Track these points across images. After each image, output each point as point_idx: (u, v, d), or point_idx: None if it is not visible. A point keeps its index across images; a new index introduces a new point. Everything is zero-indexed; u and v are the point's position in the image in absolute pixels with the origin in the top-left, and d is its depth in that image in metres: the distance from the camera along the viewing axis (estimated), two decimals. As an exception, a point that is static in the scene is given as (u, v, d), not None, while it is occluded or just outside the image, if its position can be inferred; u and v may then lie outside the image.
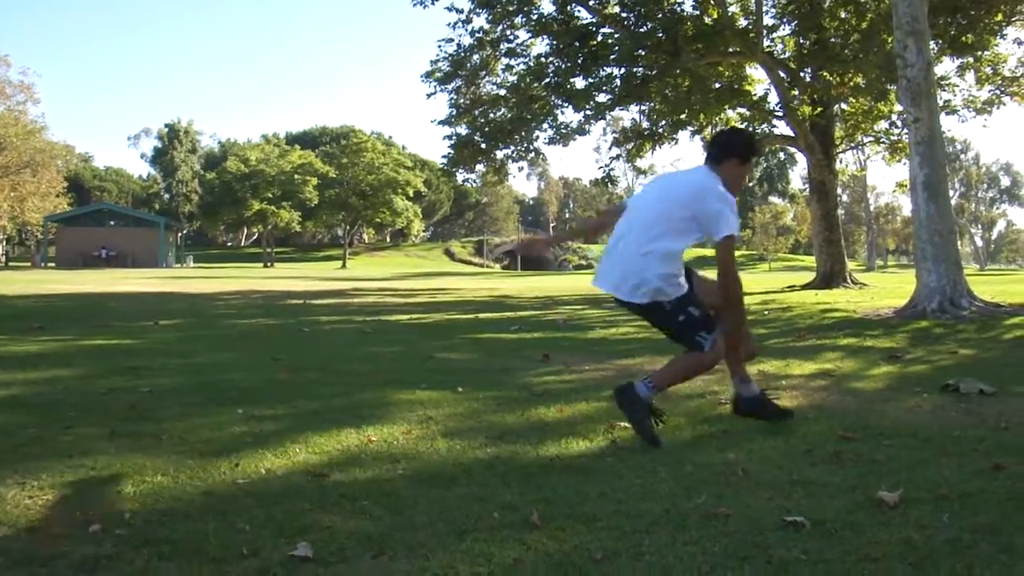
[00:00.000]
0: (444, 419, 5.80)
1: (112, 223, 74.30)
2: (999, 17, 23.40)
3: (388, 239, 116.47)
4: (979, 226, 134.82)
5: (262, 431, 5.37)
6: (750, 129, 30.44)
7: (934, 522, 3.57)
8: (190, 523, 3.57)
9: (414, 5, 26.20)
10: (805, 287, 27.09)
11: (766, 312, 16.71)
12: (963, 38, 23.47)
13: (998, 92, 27.14)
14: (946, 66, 27.62)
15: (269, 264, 77.41)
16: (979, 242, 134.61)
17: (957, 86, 28.08)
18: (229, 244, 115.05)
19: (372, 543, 3.36)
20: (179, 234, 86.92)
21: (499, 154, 29.62)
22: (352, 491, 4.05)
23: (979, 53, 25.37)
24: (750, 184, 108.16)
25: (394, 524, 3.59)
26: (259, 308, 18.47)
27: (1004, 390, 6.96)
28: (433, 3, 26.52)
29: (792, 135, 28.00)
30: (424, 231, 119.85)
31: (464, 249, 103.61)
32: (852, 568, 3.10)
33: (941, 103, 24.90)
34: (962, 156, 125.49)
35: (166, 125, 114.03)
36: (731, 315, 5.32)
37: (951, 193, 18.25)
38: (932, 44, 18.51)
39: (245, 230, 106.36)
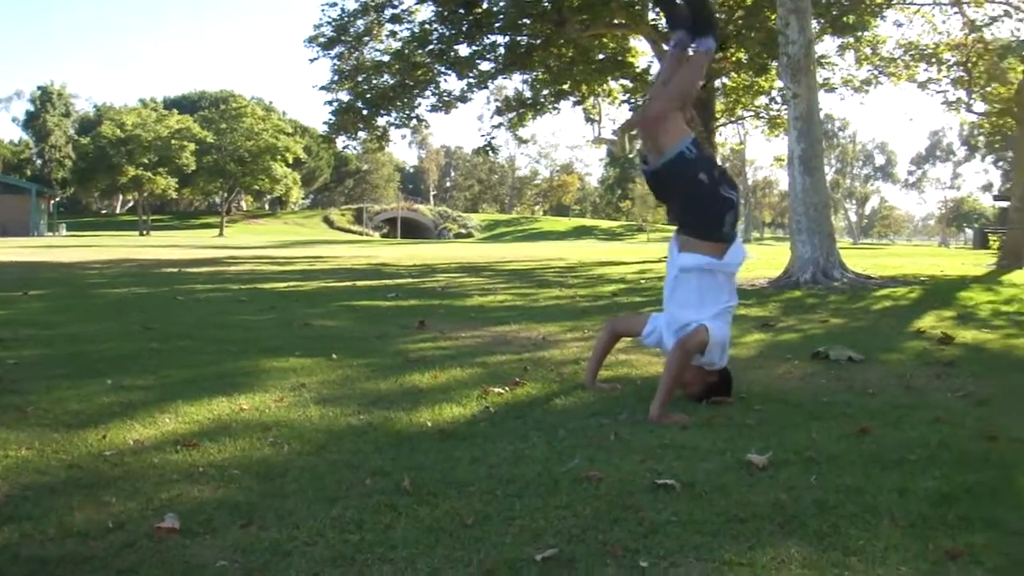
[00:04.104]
0: (317, 386, 5.74)
1: (-20, 190, 71.98)
2: (880, -1, 23.90)
3: (267, 207, 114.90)
4: (853, 201, 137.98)
5: (131, 401, 5.24)
6: (631, 101, 30.71)
7: (802, 483, 3.65)
8: (55, 497, 3.47)
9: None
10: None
11: (642, 281, 16.89)
12: (844, 18, 23.87)
13: (876, 72, 27.68)
14: (827, 45, 28.23)
15: (145, 232, 75.81)
16: (853, 217, 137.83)
17: (837, 65, 28.61)
18: (104, 212, 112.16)
19: (241, 512, 3.31)
20: (52, 201, 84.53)
21: (381, 121, 29.32)
22: (221, 460, 3.99)
23: (859, 33, 25.83)
24: (630, 156, 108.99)
25: (263, 492, 3.55)
26: (133, 277, 18.07)
27: (871, 358, 7.16)
28: (318, -34, 26.08)
29: (673, 108, 28.19)
30: (303, 199, 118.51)
31: (343, 217, 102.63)
32: (721, 528, 3.15)
33: (820, 81, 25.34)
34: (840, 133, 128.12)
35: (39, 88, 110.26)
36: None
37: (827, 169, 18.65)
38: (814, 23, 18.81)
39: (120, 197, 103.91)
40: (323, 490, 3.57)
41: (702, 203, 5.26)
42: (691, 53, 5.57)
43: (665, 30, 26.86)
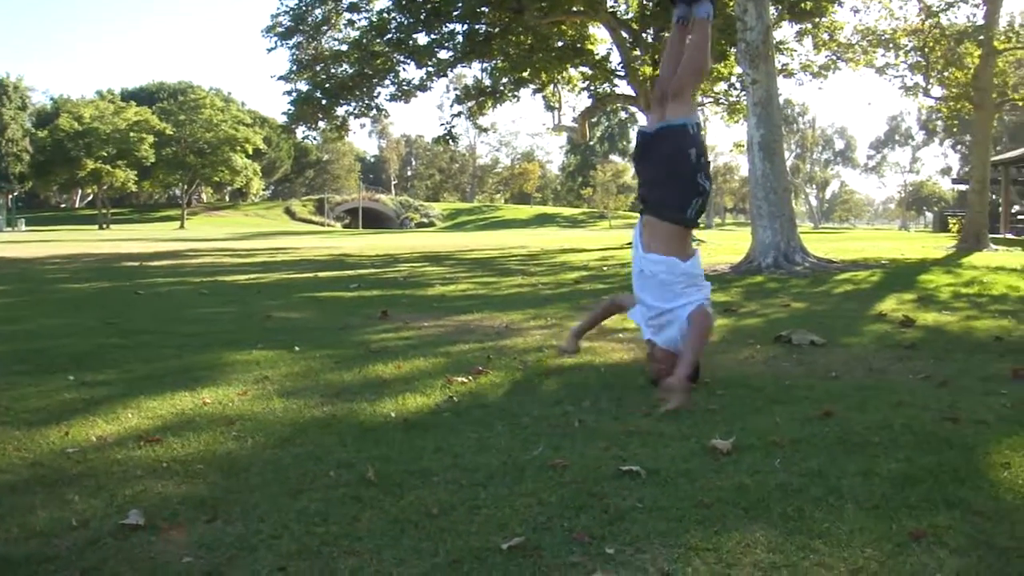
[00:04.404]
0: (280, 379, 5.72)
1: (-63, 186, 71.05)
2: (838, -15, 24.08)
3: (227, 198, 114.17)
4: (814, 186, 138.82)
5: (93, 397, 5.20)
6: (591, 88, 30.79)
7: (766, 468, 3.67)
8: (16, 496, 3.44)
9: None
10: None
11: (605, 268, 16.93)
12: (802, 4, 24.04)
13: (834, 58, 27.89)
14: (785, 31, 28.33)
15: (105, 226, 74.97)
16: (814, 201, 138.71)
17: (795, 51, 28.82)
18: (63, 206, 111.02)
19: (206, 507, 3.29)
20: (10, 196, 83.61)
21: (340, 110, 29.25)
22: (185, 455, 3.97)
23: (817, 20, 26.02)
24: (591, 143, 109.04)
25: (228, 487, 3.53)
26: (93, 271, 17.95)
27: (833, 341, 7.20)
28: (275, -46, 25.88)
29: (633, 95, 28.28)
30: (264, 190, 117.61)
31: (305, 208, 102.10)
32: (686, 514, 3.15)
33: (779, 66, 25.52)
34: (799, 119, 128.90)
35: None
36: None
37: (787, 154, 18.75)
38: (772, 9, 18.90)
39: (79, 191, 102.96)
40: (288, 483, 3.56)
41: (678, 179, 5.35)
42: (694, 25, 5.66)
43: (624, 17, 27.02)
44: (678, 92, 5.46)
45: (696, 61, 5.62)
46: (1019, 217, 44.69)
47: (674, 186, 5.35)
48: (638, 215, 5.59)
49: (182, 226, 78.53)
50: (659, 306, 5.30)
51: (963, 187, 48.72)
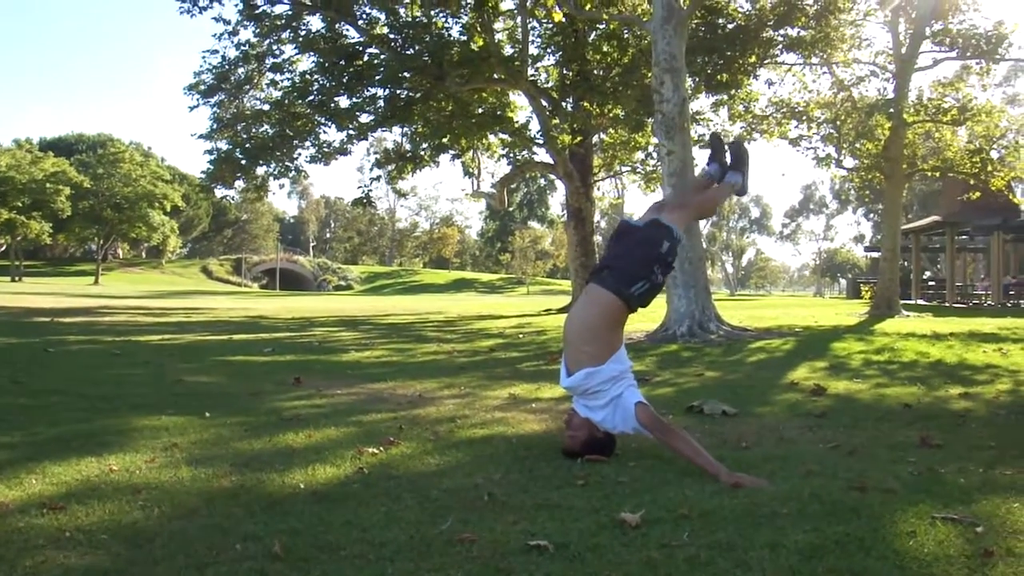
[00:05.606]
0: (189, 446, 5.62)
1: None
2: (752, 59, 24.69)
3: (144, 255, 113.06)
4: (730, 253, 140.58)
5: (-5, 461, 5.07)
6: (510, 155, 31.06)
7: (674, 540, 3.66)
8: (-91, 566, 3.34)
9: (180, 13, 25.41)
10: (561, 311, 27.60)
11: (520, 336, 16.94)
12: (719, 77, 24.58)
13: (750, 128, 28.43)
14: (702, 102, 28.91)
15: (17, 278, 73.80)
16: (730, 268, 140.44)
17: (711, 121, 29.37)
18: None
19: (108, 580, 3.21)
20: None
21: (259, 170, 29.15)
22: (89, 524, 3.87)
23: (733, 91, 26.61)
24: (510, 209, 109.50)
25: (132, 559, 3.45)
26: (2, 326, 17.56)
27: (745, 411, 7.28)
28: (201, 12, 25.74)
29: (552, 162, 28.55)
30: (181, 247, 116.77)
31: (222, 267, 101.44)
32: (594, 590, 3.14)
33: (695, 136, 25.99)
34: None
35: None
36: None
37: (704, 222, 19.02)
38: (689, 81, 19.23)
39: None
40: (193, 556, 3.49)
41: (637, 259, 5.51)
42: (720, 184, 6.47)
43: (544, 86, 27.32)
44: (678, 209, 6.03)
45: (709, 205, 6.83)
46: (930, 283, 45.74)
47: (631, 263, 5.49)
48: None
49: (96, 281, 77.54)
50: (589, 406, 5.45)
51: (875, 254, 49.68)
